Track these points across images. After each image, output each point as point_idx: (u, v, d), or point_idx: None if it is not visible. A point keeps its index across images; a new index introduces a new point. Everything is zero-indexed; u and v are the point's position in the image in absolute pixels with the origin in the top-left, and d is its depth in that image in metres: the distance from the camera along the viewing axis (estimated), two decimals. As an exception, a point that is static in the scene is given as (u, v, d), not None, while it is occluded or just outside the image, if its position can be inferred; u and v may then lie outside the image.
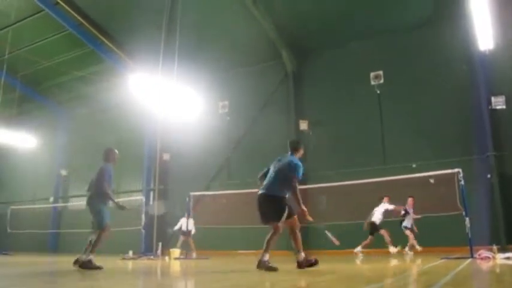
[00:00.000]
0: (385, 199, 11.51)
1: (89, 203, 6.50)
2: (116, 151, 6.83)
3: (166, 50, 12.89)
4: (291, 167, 5.33)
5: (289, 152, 5.69)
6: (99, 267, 5.95)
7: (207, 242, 14.16)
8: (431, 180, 10.98)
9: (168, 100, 10.99)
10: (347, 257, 10.57)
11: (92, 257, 6.04)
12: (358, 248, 11.18)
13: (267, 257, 5.10)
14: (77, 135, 21.19)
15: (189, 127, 14.68)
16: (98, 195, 6.39)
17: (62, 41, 17.56)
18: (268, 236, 5.24)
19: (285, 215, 5.10)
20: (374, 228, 11.30)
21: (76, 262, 6.12)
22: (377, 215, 11.38)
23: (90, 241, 6.22)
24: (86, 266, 5.94)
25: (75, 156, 20.70)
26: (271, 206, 5.18)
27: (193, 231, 12.94)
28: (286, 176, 5.25)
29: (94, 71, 18.35)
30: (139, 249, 14.68)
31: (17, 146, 17.39)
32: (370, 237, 11.26)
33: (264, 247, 5.18)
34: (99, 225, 6.30)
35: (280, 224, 5.15)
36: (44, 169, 21.13)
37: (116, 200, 6.60)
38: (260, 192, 5.29)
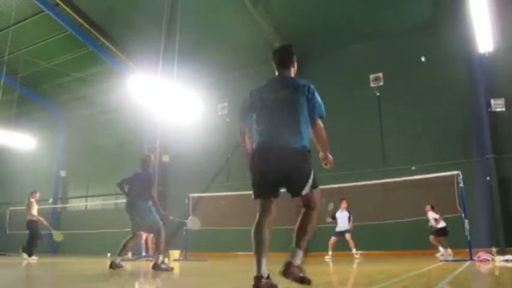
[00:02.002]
0: (428, 207, 10.89)
1: (134, 207, 6.69)
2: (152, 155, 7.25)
3: (166, 52, 12.90)
4: (309, 95, 3.33)
5: (276, 72, 3.63)
6: (172, 269, 6.27)
7: (205, 244, 14.15)
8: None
9: (167, 101, 11.00)
10: (347, 258, 10.56)
11: (161, 258, 6.30)
12: None
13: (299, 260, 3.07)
14: (77, 136, 21.18)
15: (189, 128, 14.68)
16: (144, 200, 6.60)
17: (62, 42, 17.56)
18: (298, 224, 3.20)
19: (312, 180, 3.17)
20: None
21: (111, 266, 6.27)
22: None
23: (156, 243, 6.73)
24: (158, 267, 6.10)
25: (74, 158, 20.69)
26: (297, 164, 3.11)
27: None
28: (303, 113, 3.25)
29: (94, 73, 18.34)
30: (138, 250, 14.65)
31: (16, 147, 17.38)
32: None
33: (295, 239, 3.14)
34: (156, 227, 6.62)
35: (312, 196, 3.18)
36: (43, 170, 21.11)
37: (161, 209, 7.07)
38: (270, 145, 3.16)
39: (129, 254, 12.36)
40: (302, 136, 3.15)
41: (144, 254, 13.13)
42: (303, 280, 2.97)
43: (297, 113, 3.18)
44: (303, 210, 3.20)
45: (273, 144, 3.11)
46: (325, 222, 10.84)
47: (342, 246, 11.22)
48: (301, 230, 3.12)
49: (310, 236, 3.15)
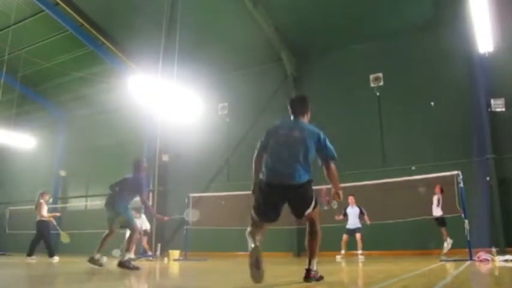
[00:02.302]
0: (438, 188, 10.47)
1: (111, 204, 6.84)
2: (144, 159, 7.49)
3: (166, 52, 12.90)
4: (320, 142, 3.77)
5: (292, 116, 3.97)
6: (137, 268, 6.31)
7: (205, 244, 14.15)
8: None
9: (167, 101, 11.00)
10: (347, 259, 10.55)
11: (130, 255, 6.48)
12: None
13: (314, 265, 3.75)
14: (77, 136, 21.18)
15: (189, 128, 14.68)
16: (122, 197, 6.77)
17: (62, 41, 17.55)
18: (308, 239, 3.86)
19: (313, 203, 3.73)
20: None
21: (90, 260, 6.63)
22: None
23: (127, 240, 6.81)
24: (124, 265, 6.22)
25: (74, 157, 20.69)
26: (301, 195, 3.68)
27: (148, 229, 13.03)
28: (310, 154, 3.72)
29: (94, 72, 18.34)
30: (138, 250, 14.65)
31: (16, 146, 17.37)
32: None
33: (309, 255, 3.78)
34: (130, 224, 6.75)
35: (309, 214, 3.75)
36: (43, 170, 21.10)
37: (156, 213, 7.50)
38: (278, 182, 3.62)
39: (117, 252, 12.36)
40: (306, 172, 3.65)
41: (146, 253, 13.14)
42: (321, 278, 3.72)
43: (305, 152, 3.64)
44: (307, 227, 3.77)
45: (281, 181, 3.60)
46: (329, 221, 10.78)
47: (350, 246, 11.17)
48: (311, 247, 3.75)
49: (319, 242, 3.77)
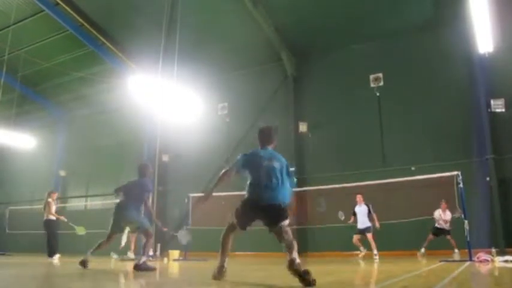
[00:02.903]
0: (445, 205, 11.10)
1: (123, 211, 6.78)
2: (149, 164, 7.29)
3: (166, 52, 12.90)
4: (289, 169, 4.56)
5: (266, 147, 4.67)
6: (154, 269, 6.37)
7: (205, 244, 14.12)
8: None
9: (167, 101, 10.99)
10: (346, 259, 10.54)
11: (145, 258, 6.43)
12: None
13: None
14: (76, 136, 21.18)
15: (189, 128, 14.68)
16: (135, 205, 6.70)
17: (62, 41, 17.55)
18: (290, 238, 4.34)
19: (287, 221, 4.31)
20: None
21: (81, 263, 6.54)
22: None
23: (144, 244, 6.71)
24: (141, 267, 6.19)
25: (74, 157, 20.68)
26: (278, 213, 4.30)
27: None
28: (284, 179, 4.45)
29: (94, 72, 18.34)
30: (138, 250, 14.64)
31: (16, 146, 17.37)
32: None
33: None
34: (144, 230, 6.73)
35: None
36: (42, 170, 21.09)
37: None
38: (265, 202, 4.31)
39: (131, 255, 12.36)
40: (283, 195, 4.34)
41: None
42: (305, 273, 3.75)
43: (282, 179, 4.37)
44: (277, 236, 4.27)
45: (265, 202, 4.28)
46: (323, 223, 10.77)
47: (344, 246, 11.14)
48: (286, 245, 4.17)
49: (293, 242, 4.12)
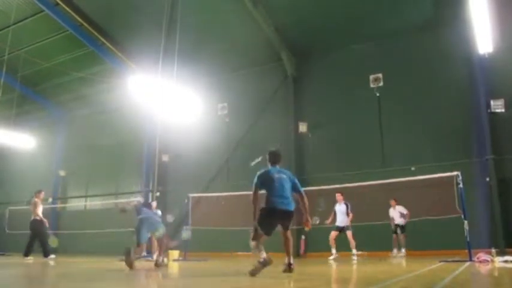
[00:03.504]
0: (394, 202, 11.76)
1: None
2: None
3: (166, 52, 12.90)
4: (297, 182, 5.63)
5: (275, 165, 5.68)
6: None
7: (205, 244, 14.14)
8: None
9: (167, 101, 10.98)
10: (343, 259, 10.54)
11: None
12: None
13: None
14: (76, 136, 21.18)
15: (188, 128, 14.67)
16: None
17: (62, 41, 17.55)
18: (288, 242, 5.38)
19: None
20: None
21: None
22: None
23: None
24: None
25: (74, 157, 20.68)
26: (290, 218, 5.37)
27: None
28: (293, 191, 5.55)
29: (94, 72, 18.34)
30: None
31: (16, 146, 17.35)
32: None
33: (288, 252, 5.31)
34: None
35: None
36: (42, 170, 21.09)
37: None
38: (282, 207, 5.28)
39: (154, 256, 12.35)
40: (292, 202, 5.38)
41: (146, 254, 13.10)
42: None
43: (289, 189, 5.45)
44: (284, 237, 5.31)
45: (281, 207, 5.25)
46: (323, 223, 10.72)
47: (341, 246, 11.13)
48: (287, 249, 5.29)
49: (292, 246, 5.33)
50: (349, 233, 10.56)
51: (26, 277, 5.45)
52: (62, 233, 19.26)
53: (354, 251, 10.42)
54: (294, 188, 5.56)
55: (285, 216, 5.30)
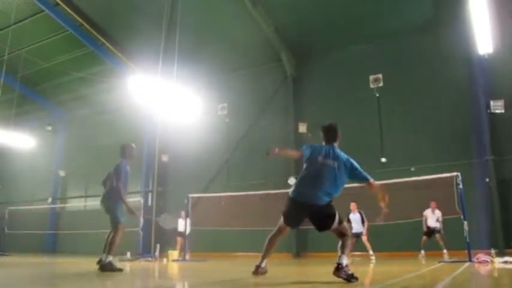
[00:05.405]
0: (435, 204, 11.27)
1: (102, 201, 6.20)
2: (133, 145, 6.48)
3: (166, 52, 12.90)
4: (356, 167, 4.57)
5: (330, 144, 4.63)
6: (119, 269, 5.82)
7: (204, 244, 14.14)
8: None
9: (167, 101, 10.99)
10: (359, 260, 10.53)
11: (111, 258, 5.83)
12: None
13: (264, 263, 4.50)
14: (76, 136, 21.17)
15: (188, 129, 14.67)
16: (111, 193, 6.05)
17: (62, 41, 17.54)
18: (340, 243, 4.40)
19: (337, 221, 4.32)
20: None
21: (98, 263, 5.91)
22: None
23: (109, 241, 5.99)
24: (106, 267, 5.73)
25: (73, 157, 20.68)
26: (324, 215, 4.32)
27: (187, 232, 12.87)
28: (341, 180, 4.43)
29: (94, 72, 18.33)
30: (137, 250, 14.64)
31: (16, 146, 17.35)
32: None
33: (264, 250, 4.57)
34: (113, 223, 6.05)
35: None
36: (42, 170, 21.09)
37: (126, 202, 6.07)
38: (303, 199, 4.28)
39: (128, 254, 12.35)
40: (329, 196, 4.32)
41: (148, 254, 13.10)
42: (351, 277, 4.01)
43: (335, 180, 4.37)
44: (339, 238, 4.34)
45: (307, 200, 4.25)
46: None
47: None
48: (341, 246, 4.28)
49: (351, 246, 4.52)
50: (364, 238, 10.90)
51: (22, 277, 5.45)
52: (62, 233, 19.28)
53: (371, 251, 10.69)
54: (354, 176, 4.55)
55: (310, 213, 4.24)
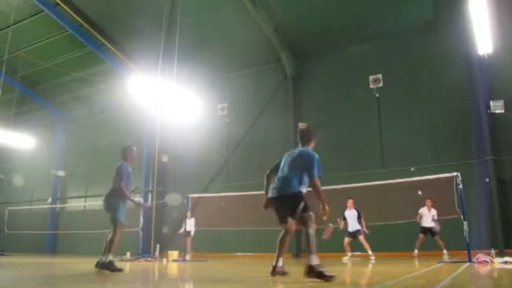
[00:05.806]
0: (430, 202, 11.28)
1: (105, 200, 6.35)
2: (134, 148, 6.76)
3: (166, 52, 12.90)
4: (309, 160, 4.54)
5: (300, 145, 4.90)
6: (119, 269, 5.90)
7: (204, 245, 14.14)
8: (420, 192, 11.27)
9: (167, 101, 11.00)
10: (339, 260, 10.54)
11: (111, 257, 5.92)
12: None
13: (281, 262, 4.62)
14: (76, 136, 21.16)
15: (188, 129, 14.68)
16: (114, 193, 6.28)
17: (62, 42, 17.55)
18: (279, 238, 4.68)
19: (301, 207, 4.43)
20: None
21: (97, 264, 5.94)
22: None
23: (108, 240, 6.08)
24: (106, 267, 5.80)
25: (73, 157, 20.67)
26: (288, 204, 4.50)
27: (192, 232, 12.89)
28: (302, 172, 4.51)
29: (93, 72, 18.34)
30: (137, 250, 14.65)
31: (16, 146, 17.35)
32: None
33: (276, 251, 4.67)
34: (113, 222, 6.17)
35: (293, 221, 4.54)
36: (42, 170, 21.08)
37: (132, 198, 6.47)
38: (271, 195, 4.59)
39: (128, 254, 12.35)
40: (297, 185, 4.51)
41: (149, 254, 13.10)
42: (322, 274, 4.02)
43: (291, 168, 4.59)
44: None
45: (279, 192, 4.54)
46: (320, 224, 10.72)
47: (341, 247, 11.15)
48: (306, 245, 4.37)
49: (314, 243, 4.34)
50: (361, 238, 10.87)
51: (21, 277, 5.44)
52: (61, 233, 19.27)
53: (370, 251, 10.67)
54: (303, 168, 4.52)
55: (285, 202, 4.46)
